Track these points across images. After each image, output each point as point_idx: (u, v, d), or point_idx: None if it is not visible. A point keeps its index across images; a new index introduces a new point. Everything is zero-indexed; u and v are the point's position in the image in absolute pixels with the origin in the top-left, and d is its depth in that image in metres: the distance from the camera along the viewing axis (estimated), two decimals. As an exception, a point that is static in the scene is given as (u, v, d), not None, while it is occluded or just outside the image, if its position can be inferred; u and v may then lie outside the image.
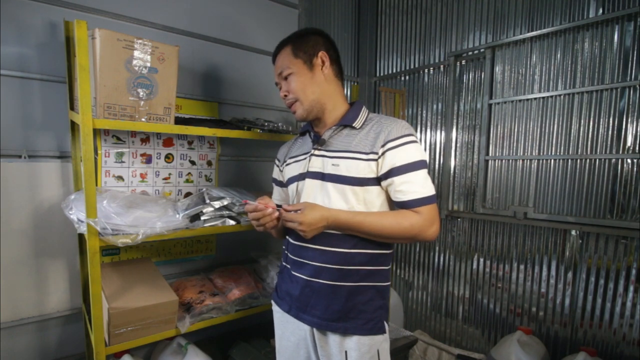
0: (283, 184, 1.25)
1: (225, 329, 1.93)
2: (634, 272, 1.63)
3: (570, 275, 1.83)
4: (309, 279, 1.06)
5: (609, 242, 1.71)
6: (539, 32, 1.86)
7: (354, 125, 1.07)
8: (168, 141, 1.74)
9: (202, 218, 1.45)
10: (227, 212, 1.51)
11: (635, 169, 1.63)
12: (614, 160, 1.68)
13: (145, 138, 1.67)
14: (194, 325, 1.44)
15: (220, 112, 1.93)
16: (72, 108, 1.46)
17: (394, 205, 1.06)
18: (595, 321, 1.75)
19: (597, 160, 1.73)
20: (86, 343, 1.62)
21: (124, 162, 1.63)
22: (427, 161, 1.03)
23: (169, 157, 1.75)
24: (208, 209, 1.47)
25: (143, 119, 1.30)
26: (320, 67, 1.09)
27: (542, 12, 1.87)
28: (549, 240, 1.90)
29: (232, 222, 1.51)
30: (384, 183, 1.02)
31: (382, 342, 1.07)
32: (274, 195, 1.34)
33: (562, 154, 1.84)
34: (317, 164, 1.08)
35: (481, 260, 2.18)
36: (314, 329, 1.07)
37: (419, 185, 0.98)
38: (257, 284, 1.72)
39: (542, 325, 1.93)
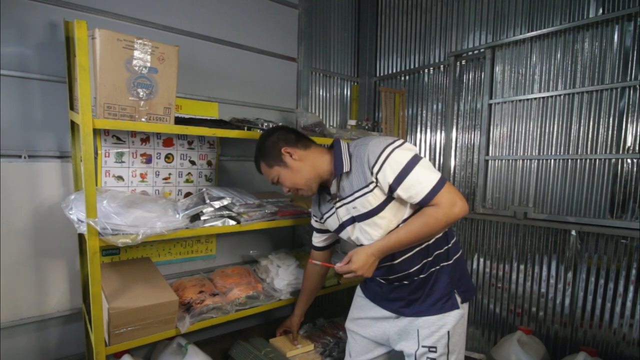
0: (328, 231, 1.43)
1: (225, 329, 1.93)
2: (634, 272, 1.63)
3: (570, 275, 1.83)
4: (387, 282, 1.28)
5: (608, 242, 1.70)
6: (539, 32, 1.86)
7: (345, 171, 1.17)
8: (168, 141, 1.74)
9: (202, 218, 1.45)
10: (227, 212, 1.51)
11: (635, 169, 1.63)
12: (614, 160, 1.68)
13: (145, 138, 1.67)
14: (194, 325, 1.44)
15: (220, 112, 1.93)
16: (72, 108, 1.46)
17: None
18: (595, 321, 1.75)
19: (597, 160, 1.73)
20: (86, 343, 1.62)
21: (124, 162, 1.63)
22: (417, 153, 1.11)
23: (169, 157, 1.75)
24: (208, 209, 1.46)
25: (143, 119, 1.30)
26: (290, 158, 1.22)
27: (542, 12, 1.87)
28: (549, 240, 1.90)
29: (232, 222, 1.51)
30: (395, 195, 1.11)
31: (454, 325, 1.18)
32: (314, 238, 1.51)
33: (562, 154, 1.84)
34: (343, 212, 1.23)
35: (481, 260, 2.18)
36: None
37: (419, 182, 1.05)
38: (257, 284, 1.71)
39: (542, 325, 1.93)
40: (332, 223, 1.31)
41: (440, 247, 1.21)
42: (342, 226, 1.26)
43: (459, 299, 1.20)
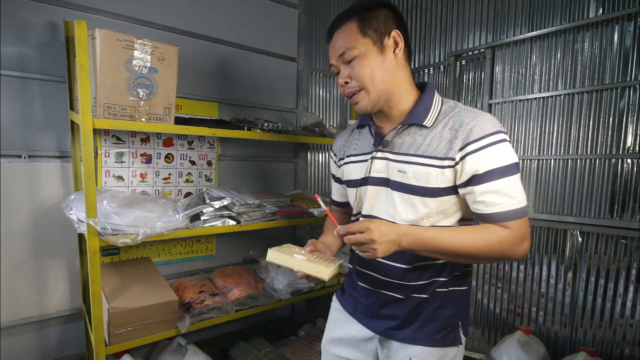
0: (342, 182, 1.10)
1: (225, 329, 1.93)
2: (634, 272, 1.63)
3: (570, 275, 1.83)
4: (376, 290, 0.99)
5: (609, 242, 1.70)
6: (539, 32, 1.86)
7: (424, 124, 0.89)
8: (168, 141, 1.74)
9: (202, 218, 1.45)
10: (227, 212, 1.52)
11: (635, 169, 1.63)
12: (614, 160, 1.68)
13: (145, 138, 1.67)
14: (194, 325, 1.44)
15: (220, 112, 1.93)
16: (72, 108, 1.46)
17: (475, 217, 0.89)
18: (595, 321, 1.75)
19: (597, 160, 1.73)
20: (86, 343, 1.62)
21: (124, 162, 1.63)
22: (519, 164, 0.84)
23: (169, 157, 1.75)
24: (208, 209, 1.47)
25: (143, 119, 1.30)
26: (392, 50, 0.89)
27: (542, 12, 1.87)
28: (549, 240, 1.90)
29: (232, 222, 1.51)
30: (461, 191, 0.85)
31: (453, 356, 0.95)
32: (333, 192, 1.20)
33: (562, 154, 1.84)
34: (380, 167, 0.93)
35: (481, 260, 2.18)
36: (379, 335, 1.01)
37: (507, 195, 0.81)
38: (257, 284, 1.72)
39: (542, 325, 1.93)
40: (354, 171, 1.00)
41: (459, 268, 0.95)
42: (364, 181, 0.96)
43: (461, 332, 0.96)
